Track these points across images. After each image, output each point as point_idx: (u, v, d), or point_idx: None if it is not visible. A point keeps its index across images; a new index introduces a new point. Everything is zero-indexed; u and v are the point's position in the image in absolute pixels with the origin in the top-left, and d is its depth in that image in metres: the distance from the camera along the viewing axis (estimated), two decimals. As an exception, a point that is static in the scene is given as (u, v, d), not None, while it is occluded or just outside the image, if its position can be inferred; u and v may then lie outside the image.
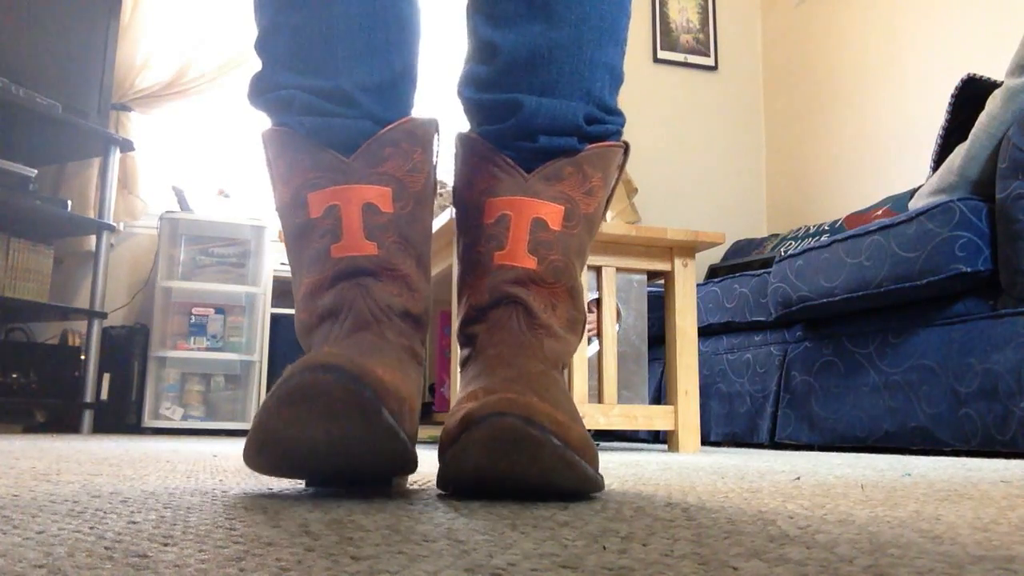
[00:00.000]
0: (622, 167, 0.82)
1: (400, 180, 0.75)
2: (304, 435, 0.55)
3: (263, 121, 0.79)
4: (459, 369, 0.80)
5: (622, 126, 0.82)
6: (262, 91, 0.77)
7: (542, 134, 0.76)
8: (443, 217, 2.10)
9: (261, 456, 0.59)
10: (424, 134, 0.78)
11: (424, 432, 2.48)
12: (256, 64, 0.79)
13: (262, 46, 0.78)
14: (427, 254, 0.78)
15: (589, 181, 0.77)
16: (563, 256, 0.75)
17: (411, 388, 0.66)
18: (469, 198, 0.79)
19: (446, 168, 3.48)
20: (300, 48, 0.76)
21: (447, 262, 2.25)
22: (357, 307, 0.71)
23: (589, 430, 2.29)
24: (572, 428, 0.58)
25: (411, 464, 0.61)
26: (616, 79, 0.81)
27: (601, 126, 0.79)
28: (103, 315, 3.02)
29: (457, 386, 0.79)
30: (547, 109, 0.77)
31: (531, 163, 0.76)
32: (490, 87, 0.79)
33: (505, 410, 0.56)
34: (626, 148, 0.81)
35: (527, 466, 0.57)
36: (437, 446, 0.65)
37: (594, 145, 0.78)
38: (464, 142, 0.81)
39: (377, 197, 0.74)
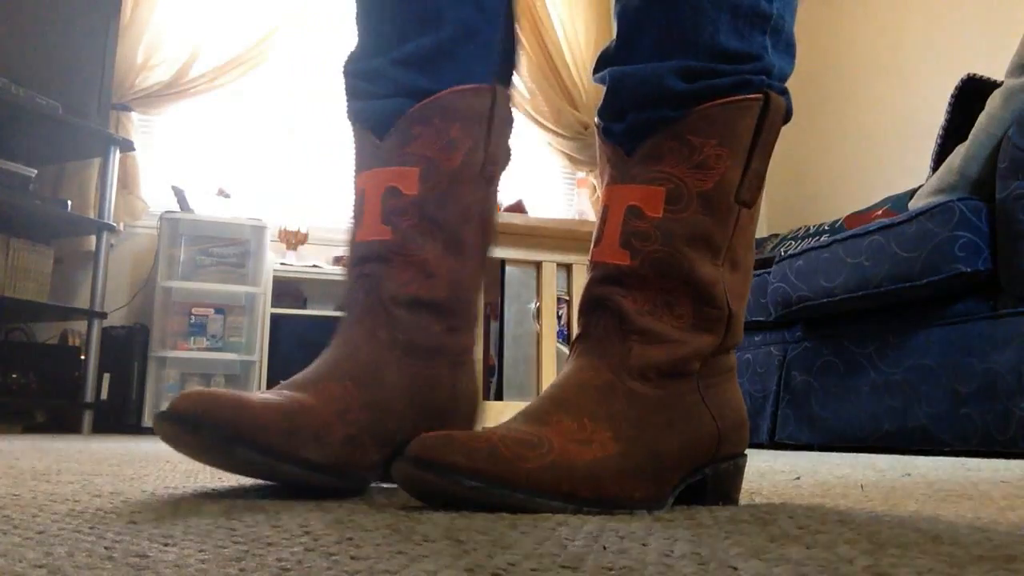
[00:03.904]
0: (766, 124, 0.65)
1: (431, 159, 0.71)
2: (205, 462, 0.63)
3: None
4: None
5: (760, 72, 0.65)
6: (344, 78, 0.78)
7: (629, 110, 0.65)
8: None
9: None
10: (465, 106, 0.72)
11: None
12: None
13: (355, 26, 0.78)
14: (464, 233, 0.73)
15: (699, 152, 0.63)
16: (666, 246, 0.63)
17: (333, 406, 0.65)
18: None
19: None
20: (364, 26, 0.76)
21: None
22: (360, 301, 0.71)
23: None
24: (521, 461, 0.55)
25: (332, 480, 0.64)
26: (745, 14, 0.64)
27: (709, 80, 0.63)
28: (103, 315, 3.02)
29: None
30: (630, 78, 0.65)
31: (632, 145, 0.65)
32: (598, 66, 0.70)
33: (412, 455, 0.55)
34: (766, 100, 0.64)
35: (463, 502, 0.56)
36: None
37: (705, 105, 0.63)
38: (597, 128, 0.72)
39: (400, 179, 0.71)
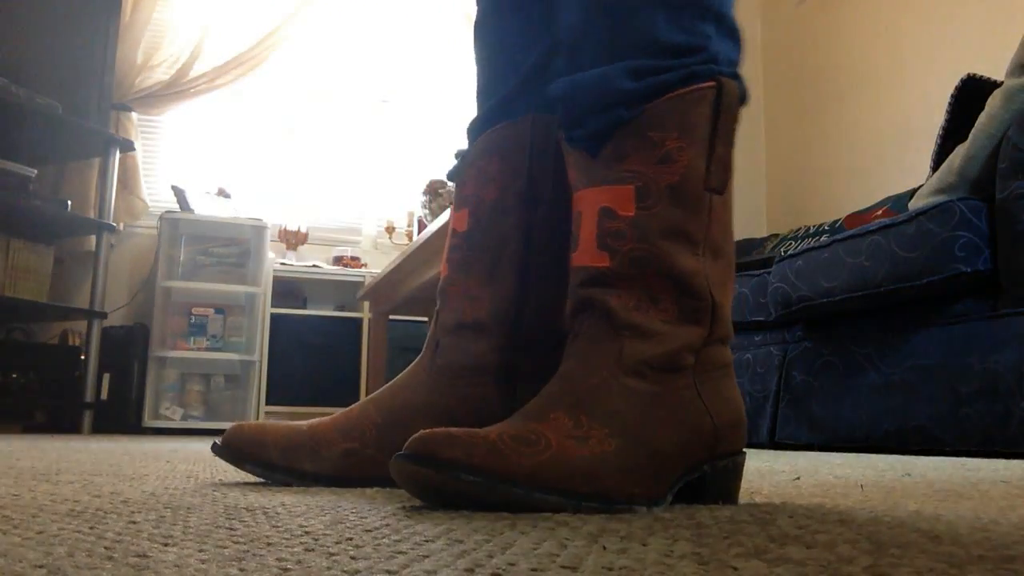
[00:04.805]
0: (722, 110, 0.66)
1: (477, 196, 0.80)
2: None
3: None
4: None
5: (707, 61, 0.66)
6: None
7: (587, 116, 0.66)
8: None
9: None
10: (501, 140, 0.80)
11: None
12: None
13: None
14: (508, 253, 0.79)
15: (661, 147, 0.64)
16: (643, 242, 0.63)
17: (342, 425, 0.77)
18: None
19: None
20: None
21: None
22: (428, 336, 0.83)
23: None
24: (519, 457, 0.55)
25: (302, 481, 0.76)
26: (680, 6, 0.66)
27: (657, 77, 0.64)
28: (103, 315, 3.02)
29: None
30: (583, 85, 0.66)
31: (595, 148, 0.66)
32: (551, 80, 0.72)
33: (410, 452, 0.56)
34: (719, 87, 0.66)
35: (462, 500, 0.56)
36: None
37: (658, 101, 0.64)
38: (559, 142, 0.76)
39: (457, 220, 0.82)
